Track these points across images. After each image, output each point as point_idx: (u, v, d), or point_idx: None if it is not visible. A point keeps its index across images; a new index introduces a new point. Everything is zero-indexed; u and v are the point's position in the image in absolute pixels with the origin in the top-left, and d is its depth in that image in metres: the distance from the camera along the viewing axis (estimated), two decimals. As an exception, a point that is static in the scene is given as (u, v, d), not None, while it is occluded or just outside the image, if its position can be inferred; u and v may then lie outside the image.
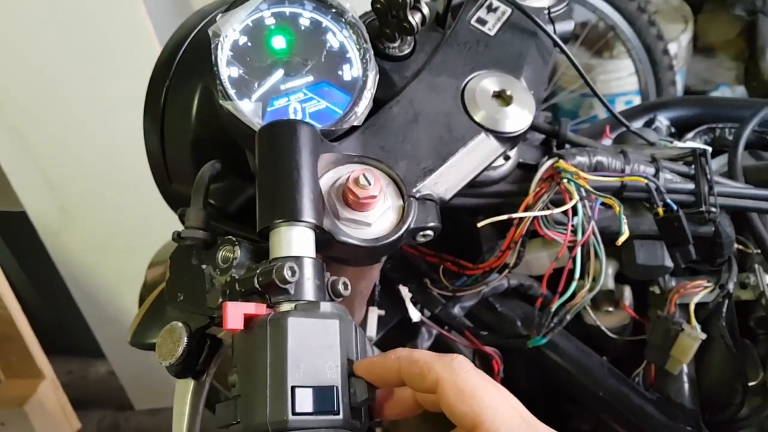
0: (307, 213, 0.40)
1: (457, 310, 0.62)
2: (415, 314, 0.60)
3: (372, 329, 0.60)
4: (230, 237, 0.42)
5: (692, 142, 0.71)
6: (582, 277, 0.55)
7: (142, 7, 1.27)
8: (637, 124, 0.78)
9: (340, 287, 0.41)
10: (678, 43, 2.07)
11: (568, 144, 0.60)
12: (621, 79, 1.95)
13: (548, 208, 0.55)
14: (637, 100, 1.93)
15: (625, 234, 0.49)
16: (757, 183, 0.66)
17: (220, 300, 0.40)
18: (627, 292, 0.63)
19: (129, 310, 1.73)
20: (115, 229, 1.57)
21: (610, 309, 0.64)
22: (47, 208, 1.56)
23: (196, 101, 0.55)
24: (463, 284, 0.61)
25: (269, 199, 0.41)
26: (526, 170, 0.59)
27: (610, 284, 0.64)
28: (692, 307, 0.60)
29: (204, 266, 0.43)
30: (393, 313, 0.65)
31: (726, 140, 0.77)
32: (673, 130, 0.77)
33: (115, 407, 2.00)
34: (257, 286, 0.38)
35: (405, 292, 0.61)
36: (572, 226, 0.54)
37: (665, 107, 0.78)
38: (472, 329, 0.60)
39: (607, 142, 0.73)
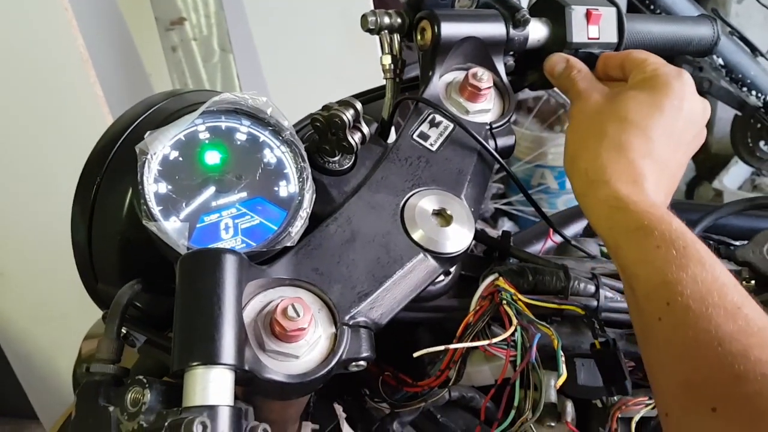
0: (227, 355, 0.38)
1: (395, 426, 0.59)
2: (349, 435, 0.57)
3: (305, 447, 0.57)
4: (140, 378, 0.39)
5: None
6: (525, 386, 0.54)
7: (92, 71, 1.24)
8: (580, 225, 0.78)
9: (260, 435, 0.38)
10: (627, 118, 2.14)
11: (511, 256, 0.59)
12: (573, 152, 1.99)
13: (489, 327, 0.53)
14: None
15: (563, 376, 0.48)
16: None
17: (125, 452, 0.37)
18: (569, 407, 0.61)
19: (64, 374, 1.65)
20: (51, 294, 1.51)
21: (552, 424, 0.62)
22: (-17, 269, 1.49)
23: (127, 201, 0.52)
24: (403, 397, 0.59)
25: (186, 338, 0.39)
26: (467, 283, 0.57)
27: (553, 397, 0.62)
28: (633, 426, 0.59)
29: (111, 408, 0.39)
30: (327, 422, 0.62)
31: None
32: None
33: (47, 474, 1.88)
34: (164, 442, 0.35)
35: (340, 411, 0.58)
36: (513, 341, 0.53)
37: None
38: (410, 450, 0.57)
39: (550, 243, 0.73)
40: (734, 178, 2.42)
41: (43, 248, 1.42)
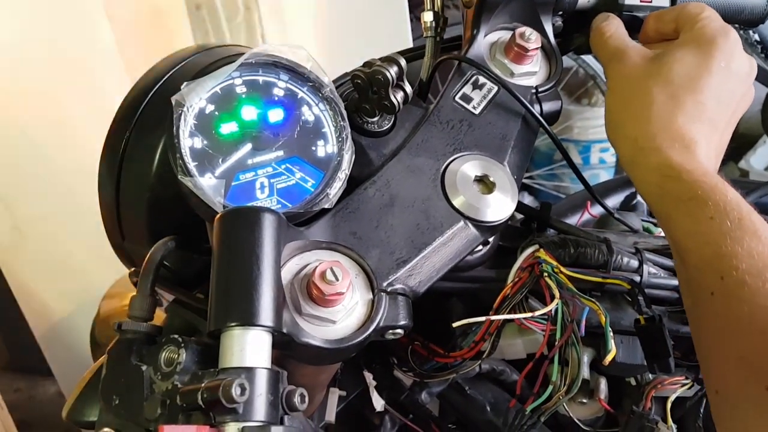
0: (265, 316, 0.36)
1: (424, 396, 0.58)
2: (378, 403, 0.56)
3: (332, 413, 0.56)
4: (175, 336, 0.38)
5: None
6: (559, 363, 0.52)
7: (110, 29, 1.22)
8: (617, 198, 0.76)
9: (296, 400, 0.37)
10: (656, 93, 2.08)
11: (550, 227, 0.57)
12: (598, 127, 1.96)
13: (527, 300, 0.52)
14: (612, 149, 1.93)
15: (612, 351, 0.46)
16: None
17: (159, 412, 0.36)
18: (603, 384, 0.60)
19: (80, 331, 1.66)
20: (69, 250, 1.51)
21: (584, 400, 0.61)
22: (0, 225, 1.49)
23: (157, 158, 0.51)
24: (432, 368, 0.57)
25: (223, 298, 0.37)
26: (504, 254, 0.56)
27: (586, 373, 0.61)
28: (669, 406, 0.57)
29: (144, 367, 0.38)
30: (353, 388, 0.61)
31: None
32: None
33: (62, 430, 1.91)
34: (200, 403, 0.34)
35: (370, 379, 0.57)
36: (551, 315, 0.51)
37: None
38: (439, 421, 0.56)
39: (587, 216, 0.71)
40: (761, 158, 2.36)
41: (61, 205, 1.42)
